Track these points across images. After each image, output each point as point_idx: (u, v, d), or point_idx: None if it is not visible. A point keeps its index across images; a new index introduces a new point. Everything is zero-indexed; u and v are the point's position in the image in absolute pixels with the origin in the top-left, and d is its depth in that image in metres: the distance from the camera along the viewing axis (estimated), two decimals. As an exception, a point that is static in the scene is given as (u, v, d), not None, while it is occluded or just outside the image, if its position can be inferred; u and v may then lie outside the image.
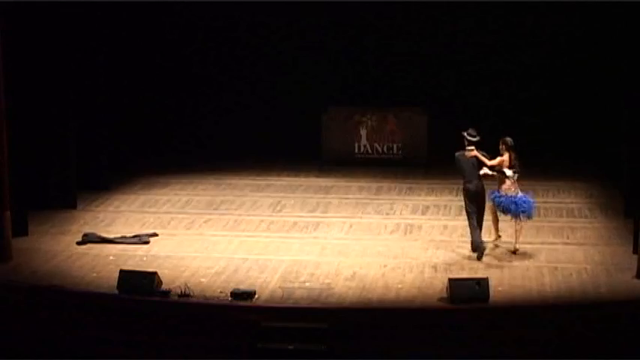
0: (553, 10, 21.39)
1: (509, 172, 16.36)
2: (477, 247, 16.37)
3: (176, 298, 14.58)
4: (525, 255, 16.46)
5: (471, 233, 16.47)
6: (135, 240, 17.33)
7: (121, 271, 15.01)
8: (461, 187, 16.77)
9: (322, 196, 20.13)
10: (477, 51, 22.13)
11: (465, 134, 16.41)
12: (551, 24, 21.84)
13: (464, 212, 18.27)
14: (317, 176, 21.56)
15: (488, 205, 16.62)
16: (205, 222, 18.49)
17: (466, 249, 16.69)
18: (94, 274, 15.71)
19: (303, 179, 21.36)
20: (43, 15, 18.32)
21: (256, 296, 14.64)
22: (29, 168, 17.94)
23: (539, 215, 18.69)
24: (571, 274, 15.55)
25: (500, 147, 16.48)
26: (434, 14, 22.08)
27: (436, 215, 18.82)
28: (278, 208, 19.36)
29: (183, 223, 18.44)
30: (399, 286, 15.17)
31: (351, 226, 18.16)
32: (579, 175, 20.87)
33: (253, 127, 22.75)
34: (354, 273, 15.73)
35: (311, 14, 22.29)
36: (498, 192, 16.50)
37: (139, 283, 14.68)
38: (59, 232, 17.91)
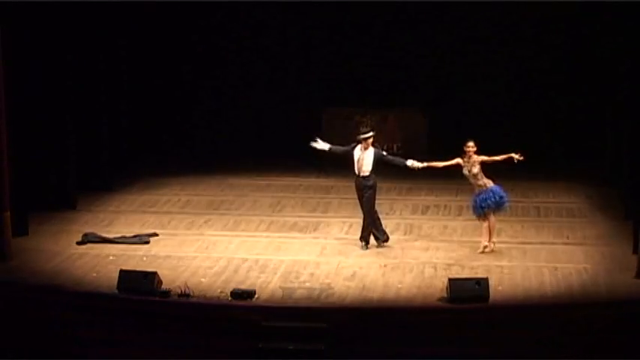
0: (553, 9, 21.36)
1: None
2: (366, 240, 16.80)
3: (176, 298, 14.59)
4: (525, 255, 16.46)
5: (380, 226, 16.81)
6: (135, 240, 17.31)
7: (121, 271, 15.00)
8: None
9: (322, 196, 20.12)
10: (476, 51, 22.11)
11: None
12: (552, 24, 21.80)
13: (464, 212, 18.30)
14: (317, 176, 21.54)
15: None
16: (205, 222, 18.48)
17: (466, 249, 16.69)
18: (94, 274, 15.69)
19: (303, 179, 21.34)
20: (43, 15, 18.29)
21: (256, 296, 14.64)
22: (29, 168, 17.92)
23: (539, 215, 18.72)
24: (571, 274, 15.54)
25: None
26: (434, 14, 22.04)
27: (436, 215, 18.80)
28: (278, 208, 19.35)
29: (183, 223, 18.43)
30: (399, 285, 15.16)
31: (351, 226, 18.12)
32: (579, 176, 20.83)
33: (253, 127, 22.75)
34: (354, 273, 15.71)
35: (311, 14, 22.26)
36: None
37: (139, 283, 14.68)
38: (59, 232, 17.88)
